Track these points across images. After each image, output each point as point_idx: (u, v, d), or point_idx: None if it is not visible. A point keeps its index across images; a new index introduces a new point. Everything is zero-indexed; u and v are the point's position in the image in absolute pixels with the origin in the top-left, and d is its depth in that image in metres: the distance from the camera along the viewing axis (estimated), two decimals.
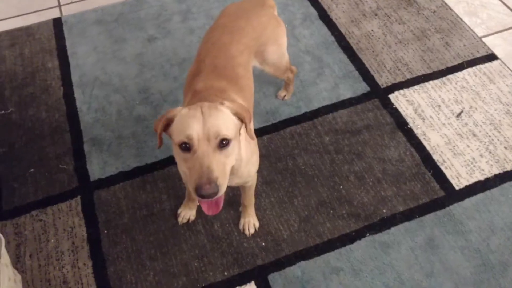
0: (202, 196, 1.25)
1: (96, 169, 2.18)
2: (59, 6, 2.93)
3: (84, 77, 2.54)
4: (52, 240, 1.98)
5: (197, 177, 1.25)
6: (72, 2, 2.94)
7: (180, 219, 2.00)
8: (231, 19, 1.83)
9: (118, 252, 1.94)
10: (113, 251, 1.94)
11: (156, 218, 2.03)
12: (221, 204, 1.40)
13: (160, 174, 2.15)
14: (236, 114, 1.36)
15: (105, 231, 1.99)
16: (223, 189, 1.28)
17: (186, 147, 1.28)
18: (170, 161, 2.17)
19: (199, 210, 2.02)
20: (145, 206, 2.06)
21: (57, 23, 2.81)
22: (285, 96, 2.37)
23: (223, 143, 1.29)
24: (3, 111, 2.41)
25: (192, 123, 1.27)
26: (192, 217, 2.00)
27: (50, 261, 1.93)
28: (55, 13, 2.88)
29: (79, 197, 2.09)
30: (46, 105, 2.42)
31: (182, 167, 1.35)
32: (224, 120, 1.31)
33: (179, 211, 2.01)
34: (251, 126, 1.53)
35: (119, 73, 2.55)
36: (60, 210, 2.06)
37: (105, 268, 1.90)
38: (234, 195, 2.06)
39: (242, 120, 1.37)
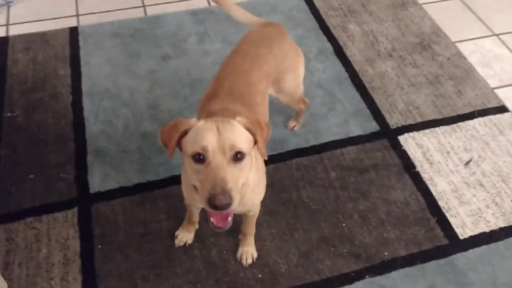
0: (215, 207, 1.23)
1: (97, 181, 2.14)
2: (77, 15, 2.94)
3: (95, 87, 2.52)
4: (44, 250, 1.92)
5: (210, 187, 1.23)
6: (90, 13, 2.95)
7: (177, 241, 1.95)
8: (253, 45, 1.83)
9: (111, 269, 1.88)
10: (105, 267, 1.88)
11: (153, 238, 1.97)
12: (230, 219, 1.37)
13: (161, 192, 2.11)
14: (248, 129, 1.35)
15: (99, 246, 1.94)
16: (236, 202, 1.26)
17: (199, 158, 1.27)
18: (172, 180, 2.13)
19: (197, 234, 1.97)
20: (142, 224, 2.01)
21: (74, 32, 2.81)
22: (294, 126, 2.35)
23: (238, 157, 1.28)
24: (9, 113, 2.38)
25: (207, 135, 1.27)
26: (190, 241, 1.95)
27: (39, 272, 1.86)
28: (72, 22, 2.89)
29: (76, 208, 2.05)
30: (53, 111, 2.40)
31: (193, 180, 1.32)
32: (239, 134, 1.31)
33: (176, 233, 1.97)
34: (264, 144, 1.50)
35: (130, 87, 2.54)
36: (55, 220, 2.01)
37: (95, 284, 1.84)
38: (235, 222, 2.00)
39: (254, 136, 1.36)
